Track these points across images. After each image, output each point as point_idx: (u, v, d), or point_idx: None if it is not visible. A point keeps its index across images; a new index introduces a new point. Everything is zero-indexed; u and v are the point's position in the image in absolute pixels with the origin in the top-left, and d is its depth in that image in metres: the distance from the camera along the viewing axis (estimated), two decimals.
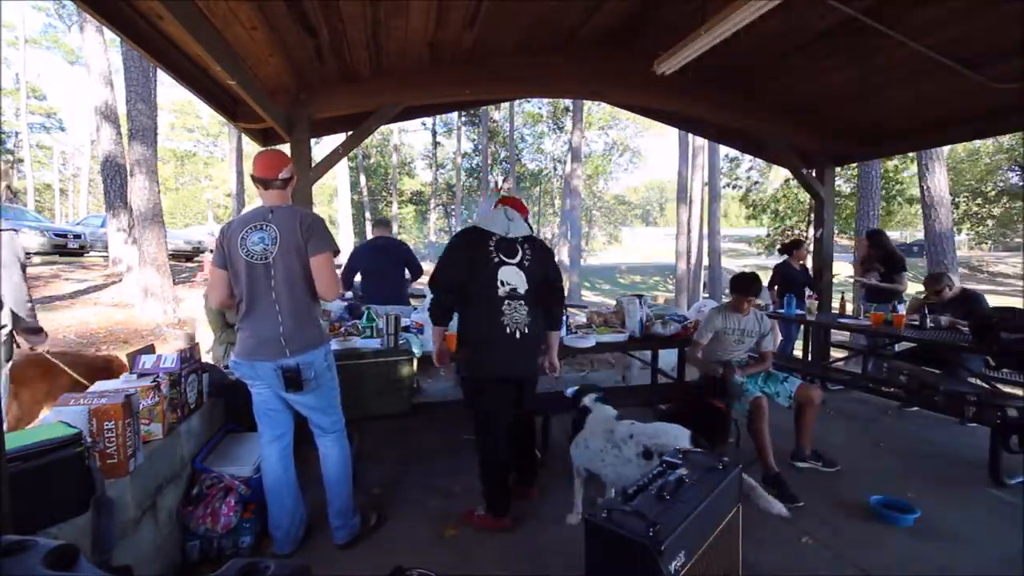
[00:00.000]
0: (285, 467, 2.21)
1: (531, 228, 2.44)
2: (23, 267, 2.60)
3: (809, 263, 5.46)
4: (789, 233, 12.73)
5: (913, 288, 5.03)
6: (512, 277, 2.28)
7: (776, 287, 5.40)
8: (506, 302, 2.26)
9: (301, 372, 2.06)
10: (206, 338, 3.49)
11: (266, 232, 2.04)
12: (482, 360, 2.31)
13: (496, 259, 2.27)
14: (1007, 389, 3.62)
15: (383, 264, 4.34)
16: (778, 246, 5.57)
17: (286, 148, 3.74)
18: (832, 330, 5.06)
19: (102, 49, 8.99)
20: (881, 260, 4.81)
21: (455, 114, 21.63)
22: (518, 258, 2.31)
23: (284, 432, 2.22)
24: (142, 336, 6.58)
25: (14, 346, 2.55)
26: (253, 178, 2.13)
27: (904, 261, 4.82)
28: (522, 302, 2.28)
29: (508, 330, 2.26)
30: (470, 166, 26.69)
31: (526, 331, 2.29)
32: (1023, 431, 2.88)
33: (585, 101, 14.57)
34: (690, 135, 13.19)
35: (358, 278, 4.46)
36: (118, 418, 1.68)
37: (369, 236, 25.97)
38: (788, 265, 5.35)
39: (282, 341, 2.04)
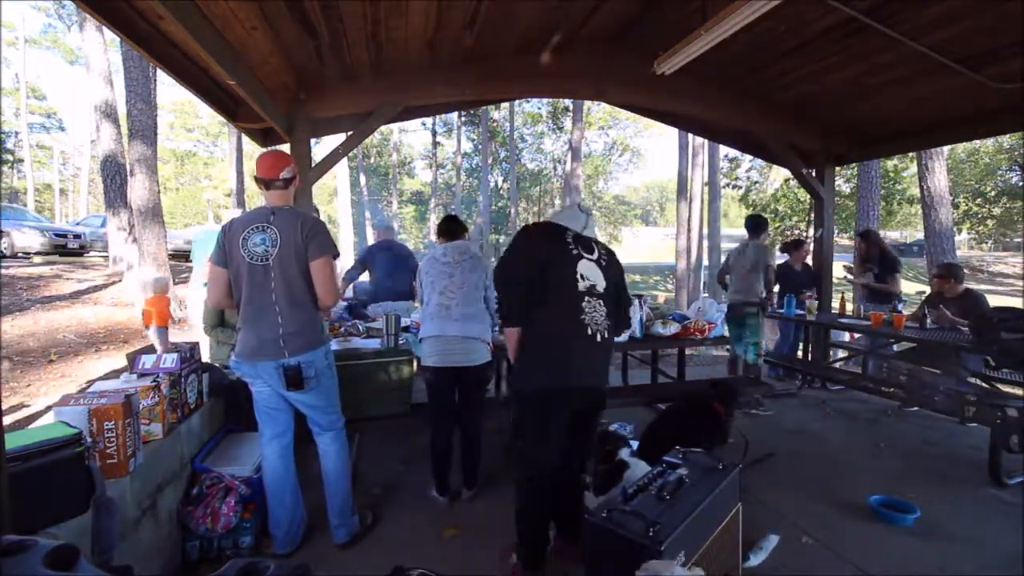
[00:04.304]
0: (285, 465, 2.22)
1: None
2: None
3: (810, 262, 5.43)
4: (789, 233, 12.71)
5: (912, 288, 5.03)
6: (592, 272, 2.01)
7: (776, 287, 5.37)
8: (586, 298, 1.96)
9: (302, 371, 2.07)
10: (205, 338, 3.48)
11: (267, 234, 2.04)
12: (552, 367, 1.93)
13: (575, 251, 2.02)
14: (1007, 389, 3.62)
15: (392, 266, 4.43)
16: (778, 246, 5.55)
17: (286, 148, 3.75)
18: (832, 330, 5.05)
19: (102, 48, 8.98)
20: (875, 260, 4.80)
21: (455, 114, 21.61)
22: (595, 255, 2.07)
23: (284, 430, 2.23)
24: (142, 336, 6.58)
25: None
26: (255, 178, 2.14)
27: (899, 262, 4.78)
28: (601, 301, 2.01)
29: (589, 330, 1.93)
30: (470, 166, 26.68)
31: (606, 334, 1.99)
32: (1023, 431, 2.88)
33: (585, 101, 14.56)
34: (690, 134, 13.18)
35: (364, 276, 4.57)
36: (118, 418, 1.68)
37: (370, 236, 26.01)
38: (788, 266, 5.32)
39: (281, 343, 2.05)
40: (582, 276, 1.98)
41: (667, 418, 2.98)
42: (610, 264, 2.11)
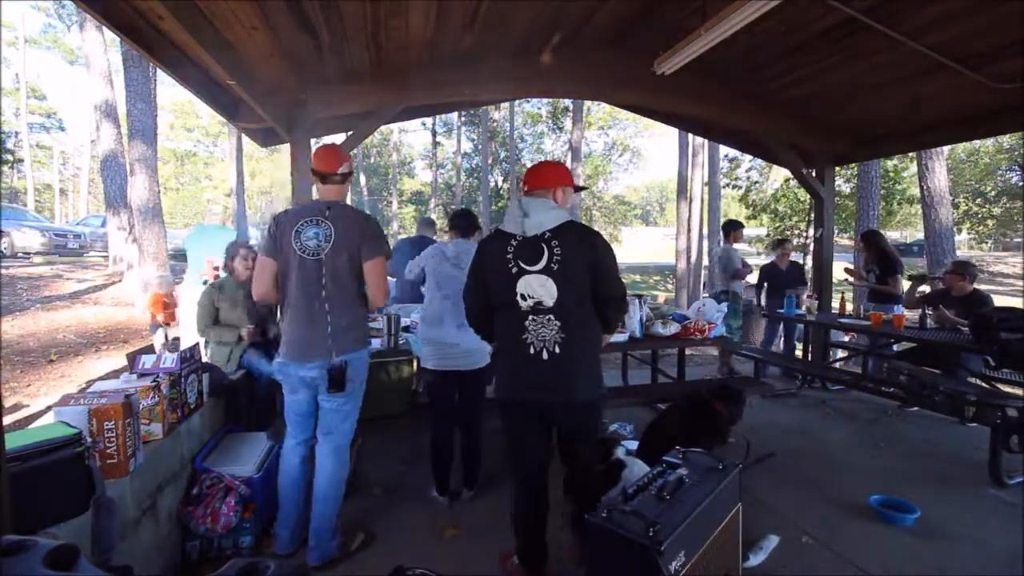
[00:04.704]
0: (303, 471, 2.22)
1: (566, 212, 1.92)
2: None
3: (808, 262, 5.46)
4: (788, 233, 12.70)
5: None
6: (535, 288, 1.80)
7: (764, 286, 5.43)
8: (530, 317, 1.82)
9: (347, 372, 2.05)
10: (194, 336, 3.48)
11: (321, 228, 2.01)
12: (501, 376, 1.96)
13: (515, 268, 1.82)
14: (1007, 389, 3.62)
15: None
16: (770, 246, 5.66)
17: (286, 148, 3.75)
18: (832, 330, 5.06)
19: (102, 48, 9.00)
20: (876, 261, 4.80)
21: (455, 114, 21.61)
22: (543, 262, 1.80)
23: (310, 436, 2.23)
24: (142, 336, 6.58)
25: None
26: (312, 171, 2.10)
27: (900, 264, 4.78)
28: (551, 316, 1.80)
29: (532, 349, 1.81)
30: (470, 166, 26.68)
31: (556, 350, 1.80)
32: (1023, 431, 2.88)
33: (585, 101, 14.55)
34: (690, 134, 13.18)
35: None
36: (118, 418, 1.68)
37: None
38: (774, 265, 5.37)
39: (329, 341, 2.02)
40: (523, 296, 1.81)
41: (668, 417, 2.97)
42: (568, 264, 1.79)
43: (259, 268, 2.10)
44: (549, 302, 1.80)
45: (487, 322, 1.97)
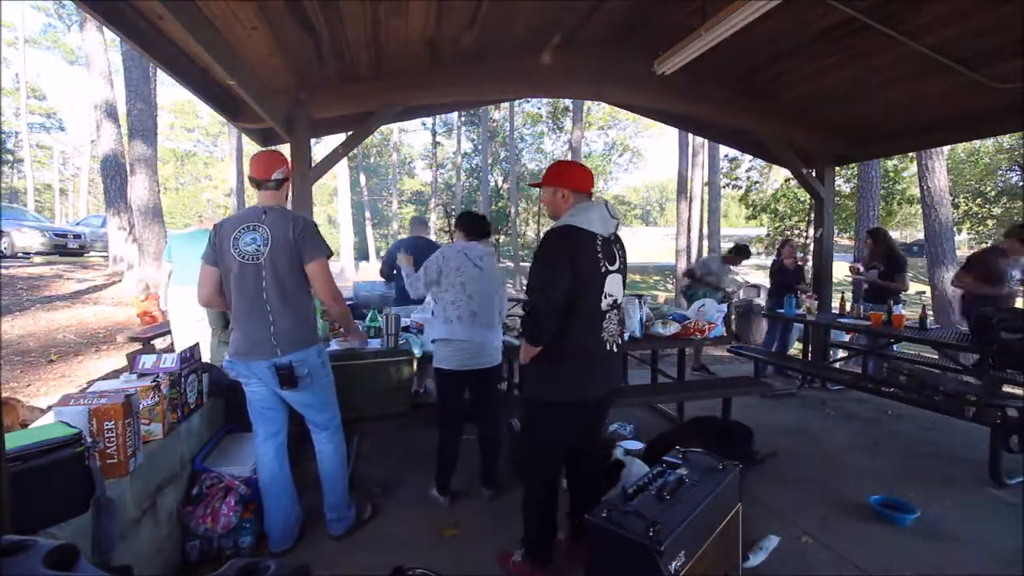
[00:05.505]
0: (281, 464, 2.23)
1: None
2: None
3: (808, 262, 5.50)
4: (788, 233, 12.72)
5: (912, 288, 5.05)
6: (614, 287, 1.92)
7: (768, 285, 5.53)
8: (607, 315, 1.92)
9: (295, 369, 2.07)
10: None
11: (258, 233, 2.05)
12: (573, 379, 1.90)
13: (603, 267, 1.87)
14: (1007, 389, 3.61)
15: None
16: (777, 246, 5.73)
17: (286, 148, 3.75)
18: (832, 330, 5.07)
19: (102, 48, 9.00)
20: (882, 258, 4.81)
21: (455, 114, 21.61)
22: (618, 262, 1.95)
23: (278, 430, 2.24)
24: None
25: None
26: (249, 178, 2.16)
27: (905, 261, 4.81)
28: (617, 311, 1.97)
29: (607, 346, 1.92)
30: (470, 166, 26.68)
31: (620, 341, 1.99)
32: (1023, 431, 2.88)
33: (585, 101, 14.54)
34: (690, 134, 13.18)
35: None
36: (118, 418, 1.68)
37: (370, 236, 25.94)
38: (780, 262, 5.51)
39: (273, 341, 2.05)
40: (607, 295, 1.89)
41: (684, 431, 3.00)
42: (625, 263, 2.02)
43: (201, 276, 2.15)
44: (620, 300, 1.98)
45: (556, 325, 1.84)
